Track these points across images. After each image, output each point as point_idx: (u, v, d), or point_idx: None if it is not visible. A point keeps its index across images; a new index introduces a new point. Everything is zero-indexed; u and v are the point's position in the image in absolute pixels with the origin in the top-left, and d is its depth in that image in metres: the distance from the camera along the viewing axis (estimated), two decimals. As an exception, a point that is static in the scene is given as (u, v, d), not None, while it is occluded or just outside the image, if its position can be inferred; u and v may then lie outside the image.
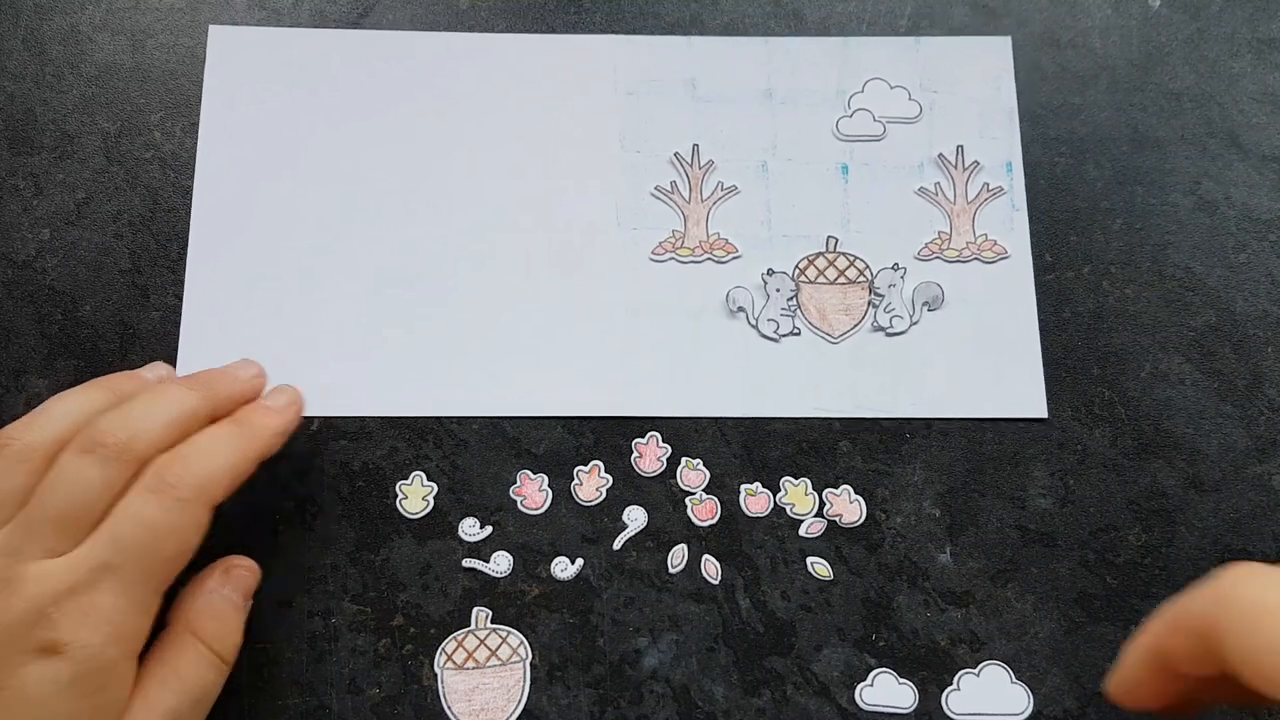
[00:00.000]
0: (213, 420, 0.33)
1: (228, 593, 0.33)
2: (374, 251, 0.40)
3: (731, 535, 0.37)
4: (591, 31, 0.42)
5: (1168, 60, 0.43)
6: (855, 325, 0.40)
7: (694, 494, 0.38)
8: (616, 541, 0.37)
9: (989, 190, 0.41)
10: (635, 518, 0.37)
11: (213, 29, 0.41)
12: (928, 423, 0.38)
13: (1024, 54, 0.42)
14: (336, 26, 0.42)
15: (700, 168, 0.41)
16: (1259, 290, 0.40)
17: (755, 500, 0.37)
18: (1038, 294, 0.40)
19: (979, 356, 0.39)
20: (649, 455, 0.38)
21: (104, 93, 0.41)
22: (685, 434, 0.38)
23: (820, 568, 0.37)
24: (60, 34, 0.41)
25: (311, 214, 0.40)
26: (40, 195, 0.40)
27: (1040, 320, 0.39)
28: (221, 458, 0.31)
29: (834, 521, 0.37)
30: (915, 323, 0.40)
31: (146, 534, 0.29)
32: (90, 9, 0.42)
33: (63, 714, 0.27)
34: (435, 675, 0.35)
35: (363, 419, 0.38)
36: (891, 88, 0.42)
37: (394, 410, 0.38)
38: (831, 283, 0.40)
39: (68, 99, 0.41)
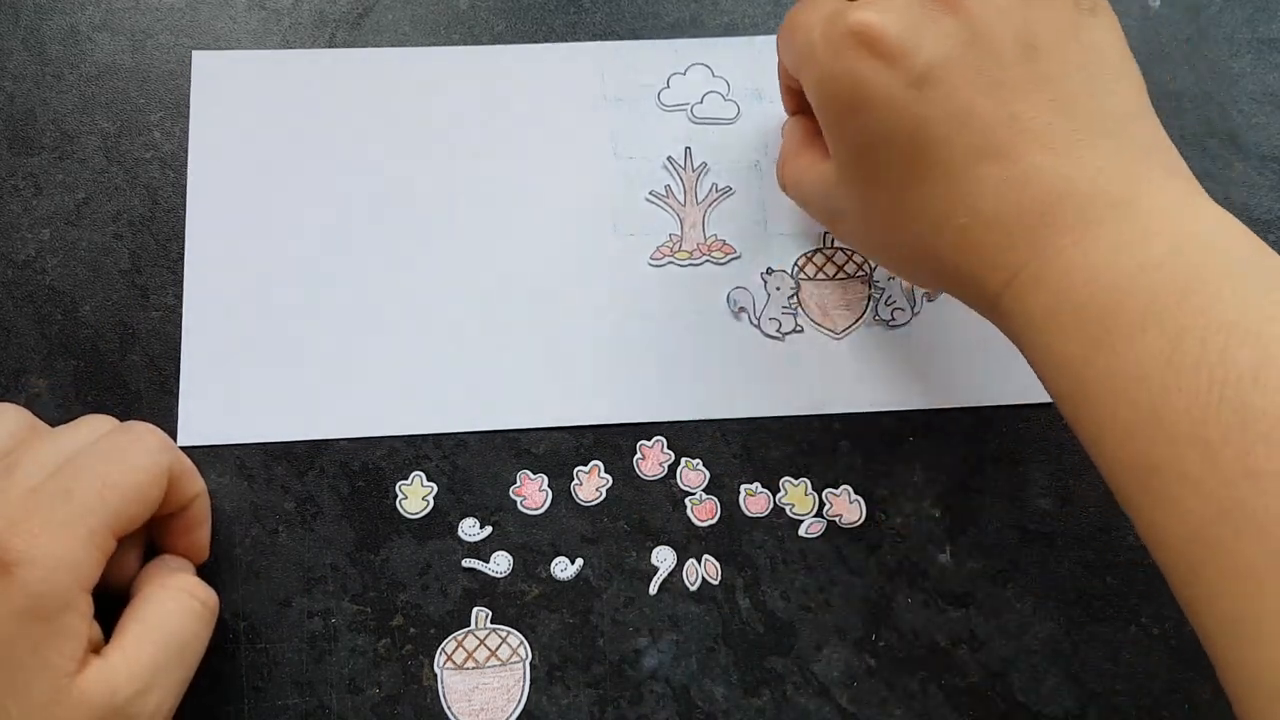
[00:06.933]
0: None
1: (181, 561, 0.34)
2: (370, 268, 0.39)
3: (731, 535, 0.37)
4: (591, 31, 0.42)
5: (1168, 60, 0.43)
6: (857, 320, 0.40)
7: (693, 494, 0.38)
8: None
9: None
10: (664, 558, 0.37)
11: (196, 55, 0.41)
12: (928, 423, 0.38)
13: (1024, 54, 0.42)
14: (337, 26, 0.42)
15: (694, 170, 0.41)
16: (1259, 290, 0.40)
17: (755, 500, 0.37)
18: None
19: (981, 344, 0.39)
20: (651, 459, 0.38)
21: (104, 93, 0.41)
22: (685, 434, 0.38)
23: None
24: (60, 34, 0.41)
25: (304, 236, 0.39)
26: (40, 195, 0.40)
27: (1040, 320, 0.39)
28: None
29: (834, 521, 0.37)
30: (916, 314, 0.40)
31: (103, 465, 0.30)
32: (90, 9, 0.42)
33: (16, 637, 0.27)
34: (435, 675, 0.35)
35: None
36: None
37: (393, 430, 0.37)
38: (831, 278, 0.40)
39: (68, 99, 0.41)
